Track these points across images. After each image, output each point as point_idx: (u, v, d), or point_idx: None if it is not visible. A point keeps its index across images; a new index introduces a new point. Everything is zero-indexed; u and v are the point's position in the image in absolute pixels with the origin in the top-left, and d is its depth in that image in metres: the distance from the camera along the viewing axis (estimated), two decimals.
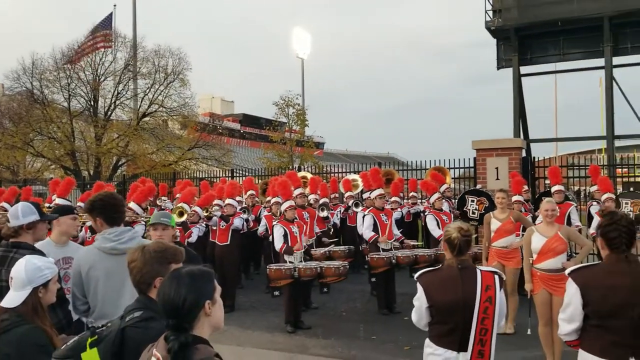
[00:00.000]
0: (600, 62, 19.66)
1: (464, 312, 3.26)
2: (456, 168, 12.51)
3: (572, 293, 3.00)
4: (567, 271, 3.09)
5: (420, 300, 3.40)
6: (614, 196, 8.64)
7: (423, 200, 11.94)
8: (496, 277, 3.33)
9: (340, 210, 11.33)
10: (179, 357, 1.85)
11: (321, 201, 10.41)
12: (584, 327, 2.99)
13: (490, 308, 3.19)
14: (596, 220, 8.52)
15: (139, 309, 2.33)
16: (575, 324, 3.02)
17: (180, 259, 2.47)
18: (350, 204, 11.24)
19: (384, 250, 8.24)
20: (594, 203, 9.15)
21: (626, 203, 9.42)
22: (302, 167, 18.96)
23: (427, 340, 3.46)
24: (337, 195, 12.13)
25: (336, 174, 14.56)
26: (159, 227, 4.01)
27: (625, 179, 14.87)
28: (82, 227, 9.06)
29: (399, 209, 10.81)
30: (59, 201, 9.00)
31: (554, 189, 8.75)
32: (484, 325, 3.18)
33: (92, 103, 24.67)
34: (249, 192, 11.35)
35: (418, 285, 3.43)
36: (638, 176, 13.79)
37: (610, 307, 2.87)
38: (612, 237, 2.98)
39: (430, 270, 3.54)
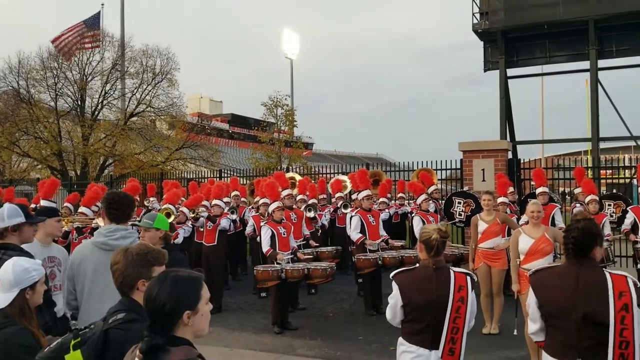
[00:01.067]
0: (586, 64, 19.86)
1: (437, 311, 3.35)
2: (443, 169, 12.60)
3: (530, 292, 3.12)
4: (529, 272, 3.18)
5: (395, 299, 3.47)
6: (597, 198, 8.75)
7: (410, 202, 12.01)
8: (468, 278, 3.41)
9: (328, 211, 11.36)
10: (148, 357, 1.85)
11: (309, 202, 10.43)
12: (546, 328, 3.07)
13: (462, 307, 3.28)
14: None
15: (122, 310, 2.34)
16: (537, 324, 3.11)
17: (163, 261, 2.48)
18: (339, 205, 11.27)
19: (370, 251, 8.28)
20: (578, 205, 9.27)
21: (609, 205, 9.56)
22: (291, 167, 18.97)
23: (401, 338, 3.54)
24: (325, 196, 12.16)
25: (324, 175, 14.60)
26: (141, 228, 4.06)
27: (609, 181, 15.04)
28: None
29: (386, 210, 10.87)
30: (43, 203, 8.97)
31: (538, 190, 8.83)
32: (456, 324, 3.27)
33: (79, 103, 24.50)
34: (233, 193, 11.33)
35: (393, 283, 3.51)
36: (622, 178, 13.95)
37: (557, 307, 2.94)
38: (564, 243, 3.07)
39: (405, 269, 3.61)
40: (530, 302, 3.10)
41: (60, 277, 4.21)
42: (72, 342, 2.19)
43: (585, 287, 2.89)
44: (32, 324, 2.73)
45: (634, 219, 8.29)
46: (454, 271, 3.41)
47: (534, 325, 3.14)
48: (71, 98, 24.43)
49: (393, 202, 11.98)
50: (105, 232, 3.53)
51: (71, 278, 3.57)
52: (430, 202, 9.72)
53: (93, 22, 24.82)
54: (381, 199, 10.91)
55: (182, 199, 11.31)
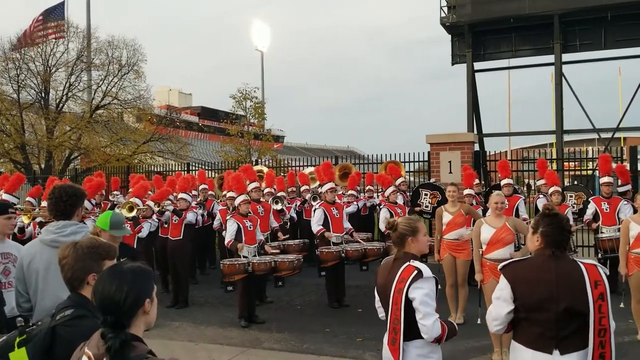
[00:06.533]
0: (551, 58, 20.23)
1: (385, 301, 3.39)
2: (411, 162, 12.70)
3: (502, 287, 3.09)
4: (499, 266, 3.18)
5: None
6: (559, 189, 8.93)
7: (379, 194, 12.08)
8: (415, 271, 3.25)
9: (296, 204, 11.33)
10: (118, 355, 1.81)
11: (277, 194, 10.39)
12: (516, 319, 3.08)
13: (399, 299, 3.24)
14: None
15: (71, 306, 2.27)
16: (504, 317, 3.07)
17: (114, 255, 2.43)
18: (307, 197, 11.25)
19: (334, 244, 8.27)
20: (541, 196, 9.45)
21: (570, 196, 9.77)
22: (260, 160, 18.85)
23: None
24: (294, 189, 12.14)
25: (294, 168, 14.56)
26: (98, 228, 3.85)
27: (573, 173, 15.36)
28: (30, 222, 8.85)
29: (355, 202, 10.91)
30: (5, 196, 8.74)
31: (503, 182, 8.98)
32: (396, 315, 3.25)
33: (42, 95, 23.85)
34: (201, 186, 11.22)
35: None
36: (586, 170, 14.27)
37: (536, 301, 2.96)
38: (559, 240, 3.04)
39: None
40: (503, 295, 3.06)
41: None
42: (17, 340, 2.12)
43: (565, 279, 2.95)
44: None
45: (595, 209, 8.49)
46: (408, 264, 3.31)
47: (499, 318, 3.09)
48: (34, 90, 23.76)
49: (362, 194, 12.03)
50: (55, 229, 3.37)
51: (22, 279, 3.39)
52: (398, 194, 9.78)
53: (56, 14, 24.18)
54: (350, 192, 10.96)
55: (149, 192, 11.16)
